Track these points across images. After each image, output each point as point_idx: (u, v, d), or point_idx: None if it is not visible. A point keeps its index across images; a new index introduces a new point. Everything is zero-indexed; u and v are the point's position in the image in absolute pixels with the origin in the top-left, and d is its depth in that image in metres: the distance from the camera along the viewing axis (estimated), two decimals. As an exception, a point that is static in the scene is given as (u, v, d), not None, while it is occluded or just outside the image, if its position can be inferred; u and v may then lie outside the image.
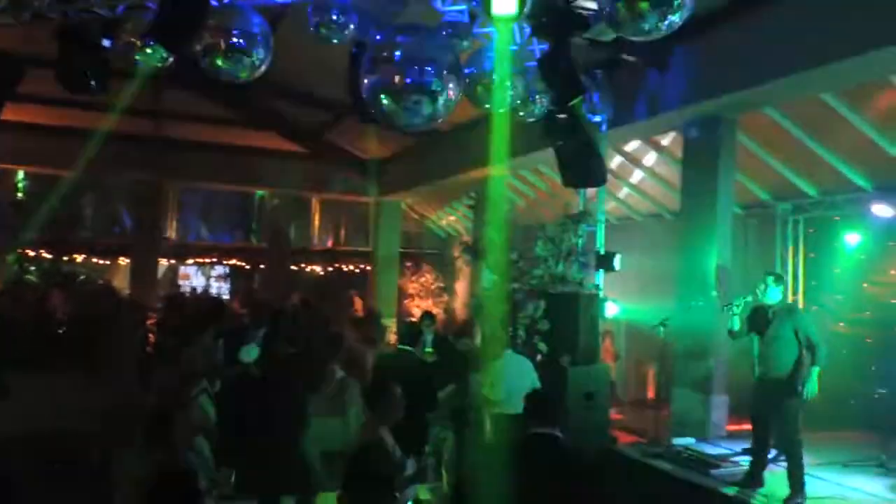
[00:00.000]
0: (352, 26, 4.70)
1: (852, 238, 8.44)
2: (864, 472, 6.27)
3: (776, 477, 5.80)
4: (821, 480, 5.86)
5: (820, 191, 8.86)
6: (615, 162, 10.35)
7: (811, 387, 5.58)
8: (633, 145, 10.10)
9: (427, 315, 8.87)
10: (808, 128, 7.94)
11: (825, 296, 8.65)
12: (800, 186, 8.94)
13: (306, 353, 6.70)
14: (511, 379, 6.52)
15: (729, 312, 6.06)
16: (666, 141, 9.61)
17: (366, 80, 3.98)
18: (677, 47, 7.33)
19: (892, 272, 8.18)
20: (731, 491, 5.74)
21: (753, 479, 5.78)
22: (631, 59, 7.62)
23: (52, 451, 6.04)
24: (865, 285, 8.41)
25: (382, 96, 3.94)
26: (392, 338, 10.09)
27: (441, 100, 3.97)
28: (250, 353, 5.82)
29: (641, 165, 10.52)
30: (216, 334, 6.72)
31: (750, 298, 5.98)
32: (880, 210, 7.70)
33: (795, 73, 6.38)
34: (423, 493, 5.50)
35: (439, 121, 4.15)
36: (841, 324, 8.05)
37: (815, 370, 5.60)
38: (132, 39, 4.97)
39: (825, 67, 6.15)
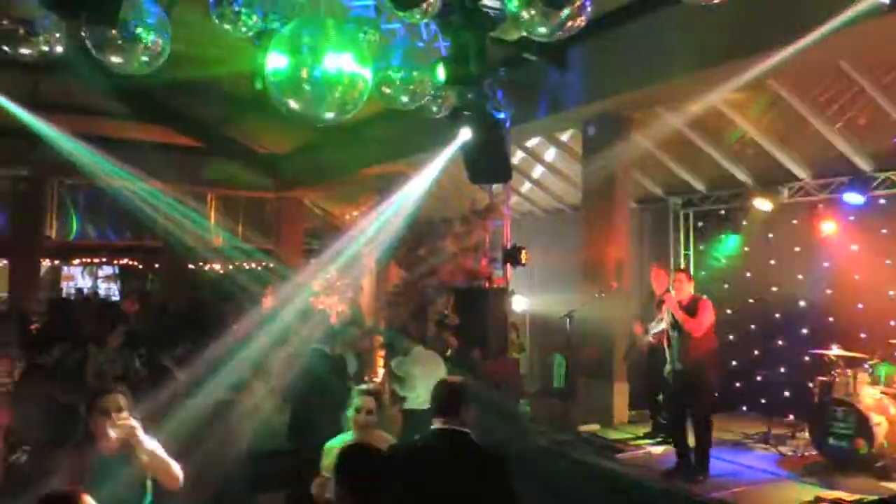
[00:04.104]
0: (255, 18, 4.53)
1: (736, 230, 9.00)
2: (753, 450, 6.73)
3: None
4: (716, 459, 6.19)
5: (707, 186, 9.41)
6: (517, 158, 10.54)
7: None
8: (534, 141, 10.33)
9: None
10: (696, 128, 8.40)
11: (713, 285, 9.18)
12: (689, 182, 9.46)
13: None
14: (421, 375, 6.53)
15: (659, 320, 6.28)
16: (565, 137, 9.90)
17: (271, 74, 3.84)
18: (576, 48, 7.55)
19: (772, 262, 8.78)
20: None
21: (686, 467, 5.92)
22: (532, 57, 7.77)
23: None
24: (748, 274, 8.99)
25: (289, 90, 3.82)
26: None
27: (350, 95, 3.89)
28: None
29: (543, 161, 10.79)
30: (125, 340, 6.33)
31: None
32: (761, 204, 8.25)
33: (681, 75, 6.74)
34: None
35: (348, 116, 4.05)
36: (728, 311, 8.55)
37: None
38: (4, 22, 4.52)
39: (704, 71, 6.52)
